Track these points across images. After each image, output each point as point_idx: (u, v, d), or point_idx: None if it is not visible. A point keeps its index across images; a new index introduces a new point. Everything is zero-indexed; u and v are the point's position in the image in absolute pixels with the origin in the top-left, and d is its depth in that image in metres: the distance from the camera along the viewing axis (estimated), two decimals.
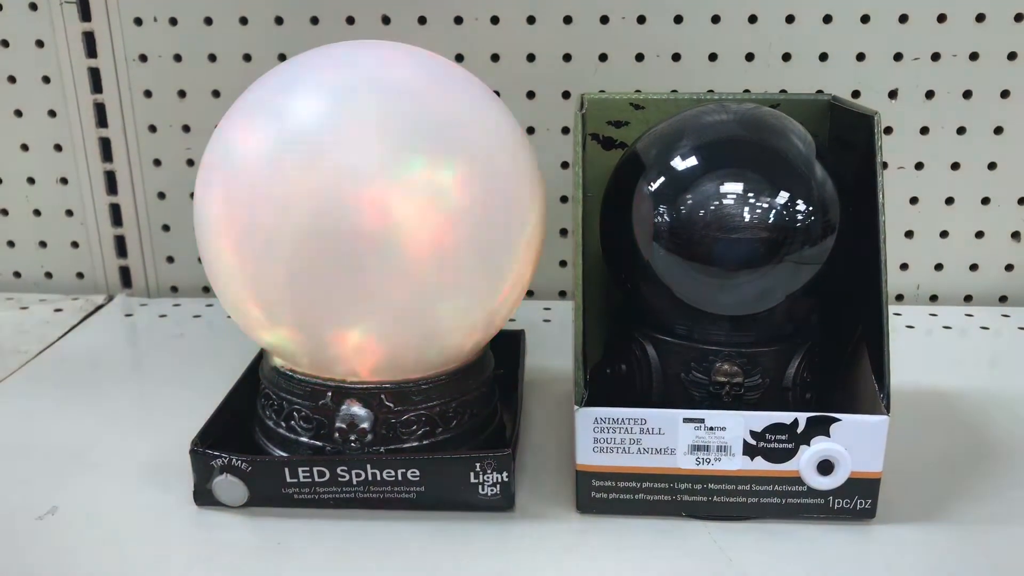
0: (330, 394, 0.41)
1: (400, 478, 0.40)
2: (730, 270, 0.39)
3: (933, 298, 0.68)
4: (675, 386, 0.42)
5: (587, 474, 0.40)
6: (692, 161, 0.40)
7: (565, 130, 0.65)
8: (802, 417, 0.38)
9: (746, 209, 0.39)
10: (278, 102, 0.39)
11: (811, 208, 0.39)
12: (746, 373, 0.41)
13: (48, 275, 0.72)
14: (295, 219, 0.37)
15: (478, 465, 0.39)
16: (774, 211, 0.39)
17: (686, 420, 0.39)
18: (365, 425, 0.40)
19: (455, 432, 0.43)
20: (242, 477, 0.40)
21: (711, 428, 0.39)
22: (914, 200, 0.66)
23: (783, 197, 0.39)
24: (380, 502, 0.40)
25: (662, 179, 0.41)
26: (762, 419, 0.39)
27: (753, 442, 0.39)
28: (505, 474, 0.40)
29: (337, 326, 0.39)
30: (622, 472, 0.40)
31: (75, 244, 0.71)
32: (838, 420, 0.38)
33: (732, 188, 0.39)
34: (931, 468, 0.45)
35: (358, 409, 0.41)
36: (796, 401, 0.42)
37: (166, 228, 0.70)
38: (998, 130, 0.64)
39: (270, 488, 0.40)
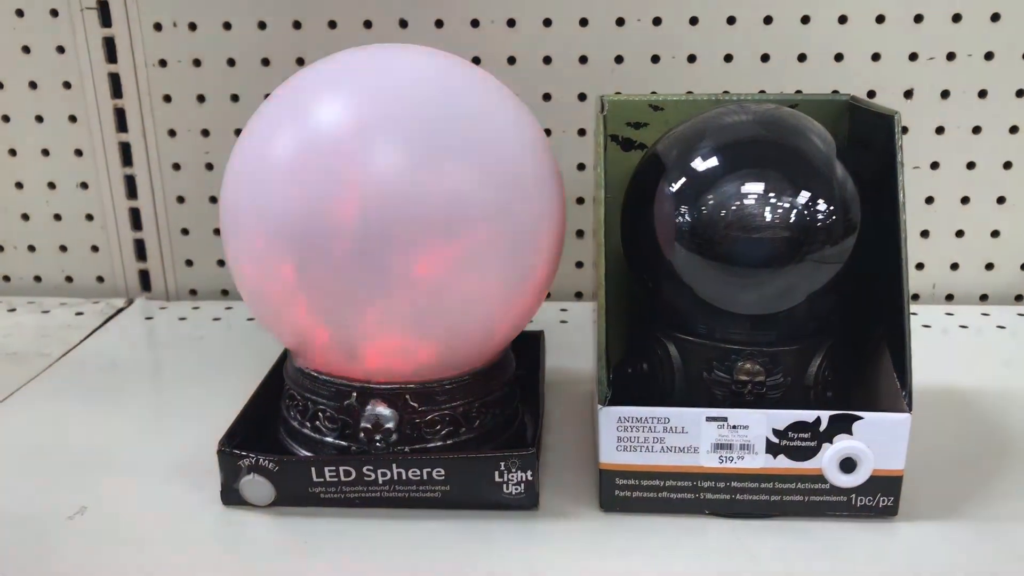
0: (355, 394, 0.41)
1: (425, 477, 0.40)
2: (752, 269, 0.40)
3: (949, 297, 0.68)
4: (697, 385, 0.42)
5: (611, 472, 0.40)
6: (713, 161, 0.41)
7: (581, 132, 0.66)
8: (824, 415, 0.39)
9: (767, 208, 0.39)
10: (304, 107, 0.39)
11: (832, 207, 0.39)
12: (768, 372, 0.41)
13: (68, 279, 0.73)
14: (321, 221, 0.37)
15: (503, 464, 0.40)
16: (795, 210, 0.39)
17: (709, 419, 0.39)
18: (390, 425, 0.41)
19: (478, 432, 0.43)
20: (269, 477, 0.40)
21: (734, 427, 0.39)
22: (930, 200, 0.66)
23: (804, 197, 0.39)
24: (406, 501, 0.41)
25: (683, 179, 0.41)
26: (785, 417, 0.39)
27: (776, 440, 0.39)
28: (529, 473, 0.40)
29: (364, 327, 0.39)
30: (645, 471, 0.40)
31: (95, 248, 0.72)
32: (860, 418, 0.39)
33: (753, 188, 0.39)
34: (951, 466, 0.45)
35: (383, 409, 0.41)
36: (818, 399, 0.42)
37: (185, 232, 0.70)
38: (1013, 129, 0.64)
39: (297, 487, 0.41)
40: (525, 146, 0.41)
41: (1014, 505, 0.42)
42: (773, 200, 0.39)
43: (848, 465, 0.39)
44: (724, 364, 0.41)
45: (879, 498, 0.40)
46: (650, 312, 0.44)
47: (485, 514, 0.41)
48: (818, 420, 0.39)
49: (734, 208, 0.39)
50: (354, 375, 0.42)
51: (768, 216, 0.39)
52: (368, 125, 0.38)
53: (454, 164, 0.38)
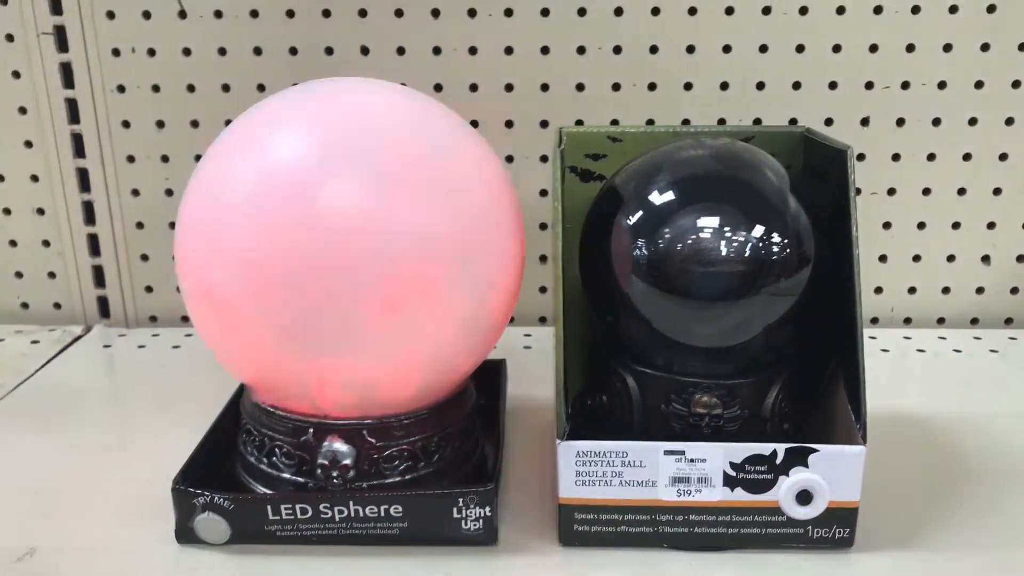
0: (312, 430, 0.41)
1: (383, 514, 0.40)
2: (707, 302, 0.40)
3: (907, 320, 0.69)
4: (655, 417, 0.42)
5: (570, 507, 0.40)
6: (669, 195, 0.41)
7: (543, 158, 0.66)
8: (781, 448, 0.39)
9: (723, 242, 0.39)
10: (257, 144, 0.39)
11: (786, 241, 0.40)
12: (725, 404, 0.41)
13: (24, 305, 0.71)
14: (276, 255, 0.37)
15: (461, 500, 0.40)
16: (750, 244, 0.39)
17: (667, 452, 0.39)
18: (347, 461, 0.40)
19: (437, 466, 0.43)
20: (224, 515, 0.40)
21: (692, 460, 0.39)
22: (887, 225, 0.67)
23: (759, 230, 0.40)
24: (363, 538, 0.40)
25: (640, 213, 0.41)
26: (742, 451, 0.39)
27: (733, 473, 0.39)
28: (488, 509, 0.40)
29: (320, 363, 0.39)
30: (604, 505, 0.40)
31: (52, 274, 0.71)
32: (816, 451, 0.39)
33: (709, 222, 0.40)
34: (907, 494, 0.45)
35: (340, 445, 0.41)
36: (774, 431, 0.42)
37: (145, 258, 0.70)
38: (967, 156, 0.65)
39: (253, 526, 0.40)
40: (484, 181, 0.41)
41: (969, 534, 0.42)
42: (728, 234, 0.40)
43: (804, 497, 0.39)
44: (682, 397, 0.41)
45: (835, 530, 0.40)
46: (609, 344, 0.44)
47: (444, 550, 0.40)
48: (774, 453, 0.39)
49: (690, 242, 0.40)
50: (310, 411, 0.41)
51: (723, 250, 0.39)
52: (324, 161, 0.38)
53: (412, 201, 0.38)
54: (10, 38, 0.65)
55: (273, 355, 0.39)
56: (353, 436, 0.41)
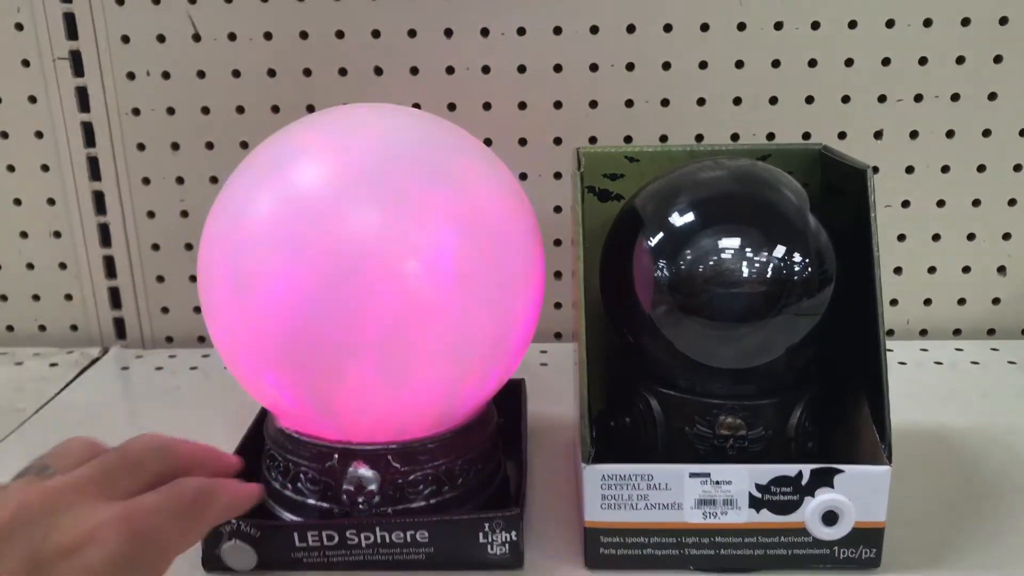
0: (336, 456, 0.41)
1: (409, 540, 0.40)
2: (730, 324, 0.40)
3: (923, 332, 0.69)
4: (679, 439, 0.42)
5: (595, 531, 0.40)
6: (690, 217, 0.41)
7: (557, 175, 0.66)
8: (806, 469, 0.39)
9: (744, 263, 0.39)
10: (281, 173, 0.39)
11: (807, 260, 0.40)
12: (749, 425, 0.41)
13: (42, 328, 0.72)
14: (299, 287, 0.37)
15: (487, 525, 0.40)
16: (772, 264, 0.40)
17: (692, 475, 0.39)
18: (372, 487, 0.40)
19: (461, 490, 0.43)
20: (251, 543, 0.40)
21: (717, 482, 0.39)
22: (902, 237, 0.67)
23: (780, 251, 0.40)
24: (390, 564, 0.40)
25: (661, 235, 0.41)
26: (767, 472, 0.39)
27: (758, 495, 0.39)
28: (514, 533, 0.40)
29: (343, 390, 0.39)
30: (630, 528, 0.40)
31: (69, 297, 0.71)
32: (841, 471, 0.39)
33: (730, 243, 0.40)
34: (933, 512, 0.45)
35: (365, 471, 0.41)
36: (799, 451, 0.42)
37: (160, 279, 0.70)
38: (981, 168, 0.65)
39: (280, 553, 0.40)
40: (502, 205, 0.41)
41: (996, 552, 0.42)
42: (750, 254, 0.40)
43: (830, 518, 0.39)
44: (706, 419, 0.41)
45: (862, 550, 0.40)
46: (631, 365, 0.45)
47: (470, 574, 0.41)
48: (800, 474, 0.39)
49: (712, 263, 0.40)
50: (335, 436, 0.41)
51: (746, 271, 0.39)
52: (343, 191, 0.38)
53: (433, 227, 0.38)
54: (26, 63, 0.65)
55: (293, 382, 0.39)
56: (378, 461, 0.41)
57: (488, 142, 0.65)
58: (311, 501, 0.42)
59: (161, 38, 0.64)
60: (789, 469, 0.39)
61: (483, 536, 0.40)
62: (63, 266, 0.70)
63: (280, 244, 0.38)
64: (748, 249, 0.40)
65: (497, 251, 0.40)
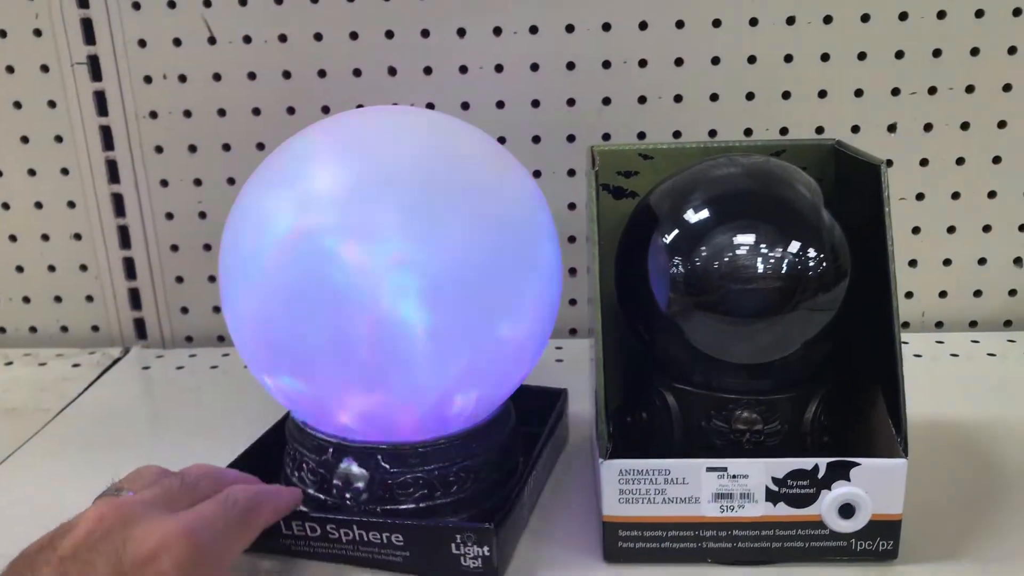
0: (331, 450, 0.42)
1: (385, 541, 0.40)
2: (746, 319, 0.40)
3: (938, 324, 0.69)
4: (696, 434, 0.42)
5: (613, 525, 0.41)
6: (705, 214, 0.41)
7: (571, 172, 0.66)
8: (822, 463, 0.39)
9: (760, 259, 0.40)
10: (292, 175, 0.40)
11: (822, 256, 0.40)
12: (765, 420, 0.41)
13: (64, 329, 0.73)
14: (315, 291, 0.38)
15: (459, 537, 0.39)
16: (787, 260, 0.40)
17: (709, 469, 0.40)
18: (359, 484, 0.41)
19: (456, 497, 0.43)
20: None
21: (734, 476, 0.40)
22: (916, 230, 0.67)
23: (795, 246, 0.40)
24: (370, 562, 0.41)
25: (676, 232, 0.42)
26: (783, 466, 0.39)
27: (775, 488, 0.40)
28: (487, 548, 0.39)
29: (337, 387, 0.40)
30: (648, 522, 0.40)
31: (90, 298, 0.72)
32: (858, 464, 0.39)
33: (745, 239, 0.40)
34: (949, 503, 0.45)
35: (355, 468, 0.42)
36: (814, 445, 0.42)
37: (179, 280, 0.71)
38: (996, 159, 0.65)
39: (271, 538, 0.41)
40: (518, 206, 0.41)
41: (1014, 543, 0.42)
42: (765, 251, 0.40)
43: (847, 511, 0.40)
44: (722, 413, 0.42)
45: (879, 542, 0.40)
46: (647, 361, 0.45)
47: None
48: (816, 467, 0.39)
49: (727, 259, 0.40)
50: (332, 431, 0.42)
51: (761, 267, 0.40)
52: (356, 193, 0.38)
53: (450, 232, 0.38)
54: (45, 69, 0.66)
55: (299, 379, 0.40)
56: (367, 460, 0.42)
57: (502, 140, 0.65)
58: (311, 491, 0.43)
59: (177, 42, 0.65)
60: (805, 463, 0.39)
61: (455, 547, 0.39)
62: (84, 268, 0.71)
63: (297, 253, 0.38)
64: (763, 245, 0.40)
65: (512, 246, 0.40)
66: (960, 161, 0.65)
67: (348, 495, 0.41)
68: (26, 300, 0.72)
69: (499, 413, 0.45)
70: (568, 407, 0.54)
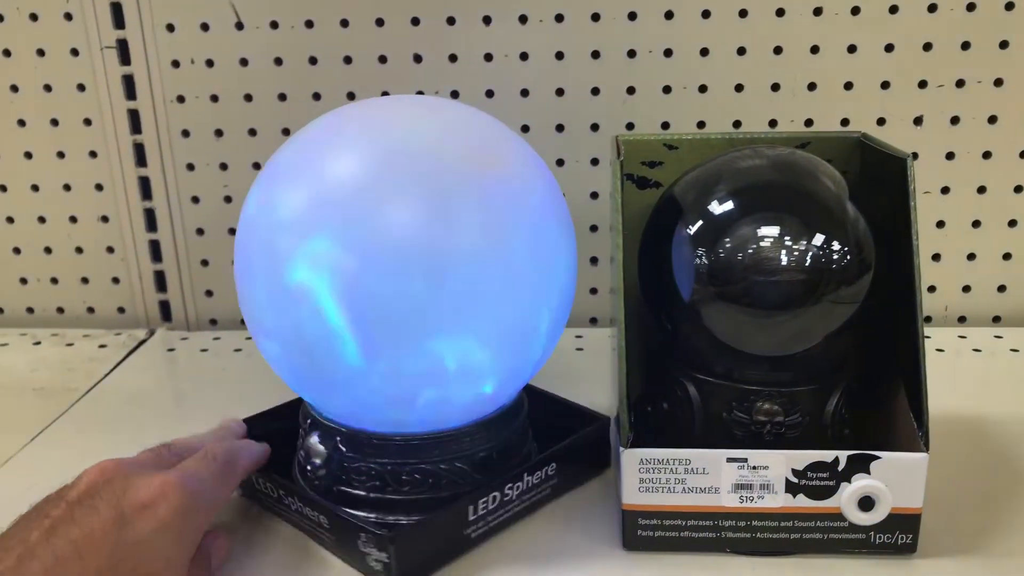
0: (309, 422, 0.44)
1: (318, 520, 0.42)
2: (769, 311, 0.40)
3: (961, 319, 0.69)
4: (717, 425, 0.43)
5: (633, 513, 0.41)
6: (729, 205, 0.41)
7: (594, 161, 0.67)
8: (843, 455, 0.39)
9: (784, 251, 0.40)
10: (316, 165, 0.40)
11: (846, 248, 0.40)
12: (786, 412, 0.42)
13: (90, 310, 0.74)
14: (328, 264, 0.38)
15: (363, 536, 0.39)
16: (811, 253, 0.40)
17: (730, 460, 0.40)
18: (318, 461, 0.43)
19: (407, 496, 0.42)
20: None
21: (754, 467, 0.40)
22: (940, 224, 0.67)
23: (819, 239, 0.40)
24: (312, 534, 0.43)
25: (701, 223, 0.42)
26: (804, 458, 0.40)
27: (795, 480, 0.40)
28: (385, 555, 0.38)
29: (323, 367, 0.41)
30: (667, 511, 0.41)
31: (116, 280, 0.73)
32: (878, 458, 0.39)
33: (770, 231, 0.40)
34: (969, 497, 0.45)
35: (317, 444, 0.43)
36: (835, 437, 0.42)
37: (204, 263, 0.71)
38: None
39: (251, 488, 0.46)
40: (534, 199, 0.41)
41: None
42: (789, 243, 0.40)
43: (867, 504, 0.40)
44: (743, 404, 0.42)
45: (898, 535, 0.40)
46: (669, 351, 0.45)
47: None
48: (836, 460, 0.39)
49: (751, 251, 0.40)
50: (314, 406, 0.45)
51: (785, 259, 0.40)
52: (379, 182, 0.39)
53: (467, 222, 0.39)
54: (75, 52, 0.67)
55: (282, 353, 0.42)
56: (328, 439, 0.43)
57: (525, 129, 0.65)
58: (300, 454, 0.45)
59: (205, 27, 0.66)
60: (826, 455, 0.39)
61: (362, 544, 0.39)
62: (111, 250, 0.72)
63: (309, 233, 0.39)
64: (787, 237, 0.40)
65: (526, 243, 0.40)
66: (987, 155, 0.65)
67: (309, 469, 0.43)
68: (54, 281, 0.73)
69: (473, 428, 0.43)
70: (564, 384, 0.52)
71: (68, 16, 0.66)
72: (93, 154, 0.69)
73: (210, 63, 0.66)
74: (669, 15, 0.63)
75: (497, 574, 0.41)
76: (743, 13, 0.63)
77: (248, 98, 0.67)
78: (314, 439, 0.43)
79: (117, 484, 0.36)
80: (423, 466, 0.42)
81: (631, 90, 0.65)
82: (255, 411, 0.50)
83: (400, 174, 0.39)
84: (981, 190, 0.66)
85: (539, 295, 0.41)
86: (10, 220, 0.72)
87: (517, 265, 0.40)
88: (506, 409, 0.45)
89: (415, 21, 0.64)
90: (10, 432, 0.55)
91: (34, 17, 0.66)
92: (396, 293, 0.38)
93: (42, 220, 0.72)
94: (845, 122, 0.64)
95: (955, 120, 0.64)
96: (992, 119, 0.64)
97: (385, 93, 0.65)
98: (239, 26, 0.65)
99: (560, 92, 0.65)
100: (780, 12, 0.62)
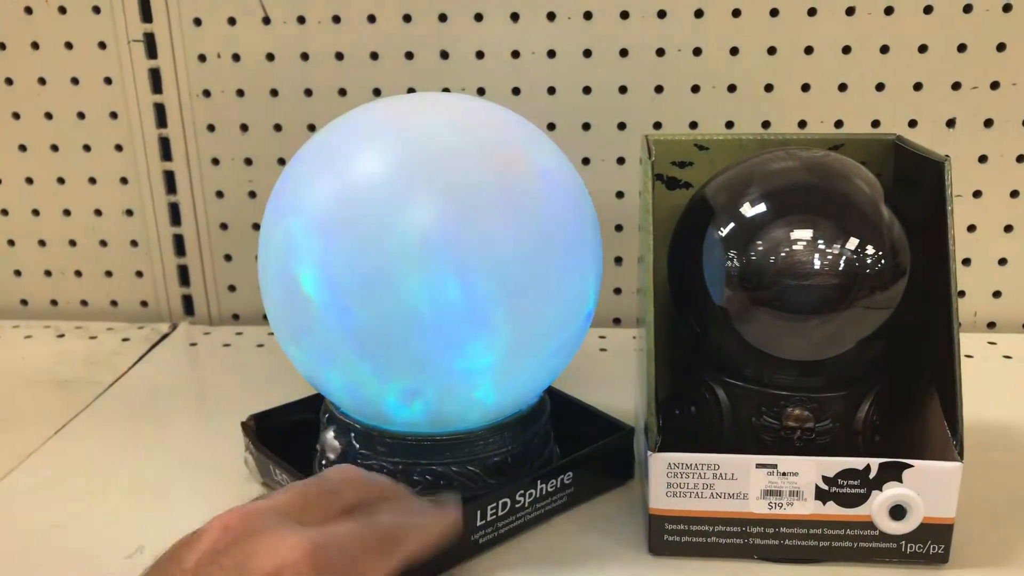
0: (327, 416, 0.44)
1: None
2: (802, 316, 0.40)
3: (991, 325, 0.68)
4: (745, 429, 0.42)
5: (660, 518, 0.40)
6: (762, 208, 0.41)
7: (620, 160, 0.66)
8: (874, 463, 0.39)
9: (817, 255, 0.39)
10: (340, 163, 0.40)
11: (880, 253, 0.40)
12: (817, 418, 0.41)
13: (113, 303, 0.74)
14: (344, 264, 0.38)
15: None
16: (844, 257, 0.39)
17: (759, 466, 0.39)
18: (332, 456, 0.43)
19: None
20: (257, 460, 0.47)
21: (784, 473, 0.39)
22: (972, 228, 0.66)
23: (853, 243, 0.39)
24: None
25: (732, 225, 0.41)
26: (834, 465, 0.39)
27: (825, 487, 0.39)
28: None
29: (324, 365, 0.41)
30: (695, 516, 0.40)
31: (139, 273, 0.73)
32: (910, 466, 0.39)
33: (802, 235, 0.40)
34: (1001, 507, 0.45)
35: (331, 437, 0.43)
36: (866, 444, 0.42)
37: (228, 258, 0.71)
38: None
39: (268, 474, 0.46)
40: (558, 200, 0.41)
41: None
42: (823, 247, 0.39)
43: (898, 512, 0.39)
44: (773, 410, 0.41)
45: (929, 545, 0.40)
46: (698, 354, 0.45)
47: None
48: (868, 468, 0.39)
49: (784, 254, 0.40)
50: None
51: (818, 263, 0.39)
52: (402, 181, 0.39)
53: (495, 222, 0.38)
54: (102, 46, 0.67)
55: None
56: (342, 434, 0.43)
57: (552, 127, 0.65)
58: (317, 449, 0.46)
59: (232, 21, 0.66)
60: (857, 462, 0.39)
61: None
62: (135, 244, 0.72)
63: (332, 231, 0.39)
64: (821, 241, 0.39)
65: (549, 246, 0.40)
66: (1021, 159, 0.64)
67: (324, 464, 0.43)
68: (78, 274, 0.73)
69: (484, 429, 0.43)
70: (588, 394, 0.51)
71: (96, 9, 0.66)
72: (119, 148, 0.70)
73: (236, 57, 0.66)
74: (699, 13, 0.62)
75: None
76: (774, 12, 0.62)
77: (274, 93, 0.67)
78: (330, 434, 0.43)
79: (239, 549, 0.29)
80: (434, 467, 0.42)
81: (659, 89, 0.64)
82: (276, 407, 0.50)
83: (425, 173, 0.39)
84: (1014, 194, 0.64)
85: (564, 295, 0.41)
86: (35, 212, 0.72)
87: (542, 265, 0.40)
88: (523, 414, 0.44)
89: (443, 17, 0.64)
90: (35, 424, 0.55)
91: (63, 10, 0.67)
92: (419, 293, 0.37)
93: (67, 213, 0.72)
94: (876, 123, 0.64)
95: (988, 123, 0.63)
96: None
97: (411, 90, 0.65)
98: (266, 21, 0.65)
99: (587, 90, 0.65)
100: (812, 12, 0.62)
